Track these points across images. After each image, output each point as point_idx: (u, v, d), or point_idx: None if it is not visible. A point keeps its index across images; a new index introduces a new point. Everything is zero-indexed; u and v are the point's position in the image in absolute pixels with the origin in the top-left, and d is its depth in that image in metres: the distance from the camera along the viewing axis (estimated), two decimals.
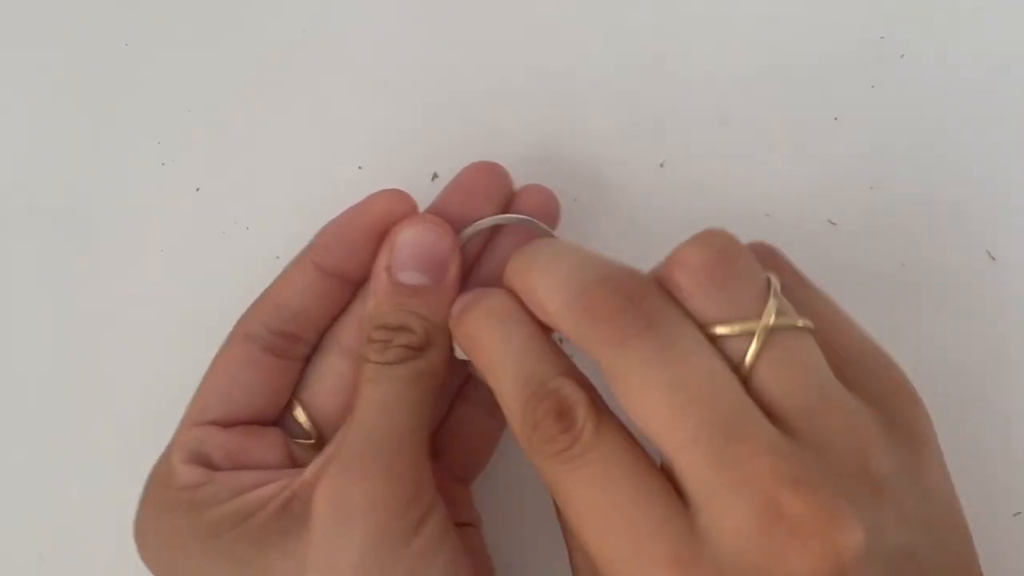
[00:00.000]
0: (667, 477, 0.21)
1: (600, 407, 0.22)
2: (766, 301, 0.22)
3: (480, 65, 0.34)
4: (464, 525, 0.29)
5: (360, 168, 0.34)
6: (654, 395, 0.20)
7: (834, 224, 0.32)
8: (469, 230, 0.28)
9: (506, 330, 0.24)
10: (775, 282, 0.22)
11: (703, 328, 0.22)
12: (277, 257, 0.33)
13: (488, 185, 0.29)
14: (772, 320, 0.21)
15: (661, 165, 0.33)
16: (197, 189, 0.34)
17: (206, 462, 0.26)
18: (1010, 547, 0.30)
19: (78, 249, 0.34)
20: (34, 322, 0.34)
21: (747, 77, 0.33)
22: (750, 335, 0.21)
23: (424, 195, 0.33)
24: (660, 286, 0.22)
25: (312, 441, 0.28)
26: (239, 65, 0.35)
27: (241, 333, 0.28)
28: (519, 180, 0.31)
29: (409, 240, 0.27)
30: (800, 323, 0.22)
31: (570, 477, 0.21)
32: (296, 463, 0.27)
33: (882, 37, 0.33)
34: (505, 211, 0.29)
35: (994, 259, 0.32)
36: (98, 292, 0.34)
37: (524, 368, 0.23)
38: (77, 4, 0.36)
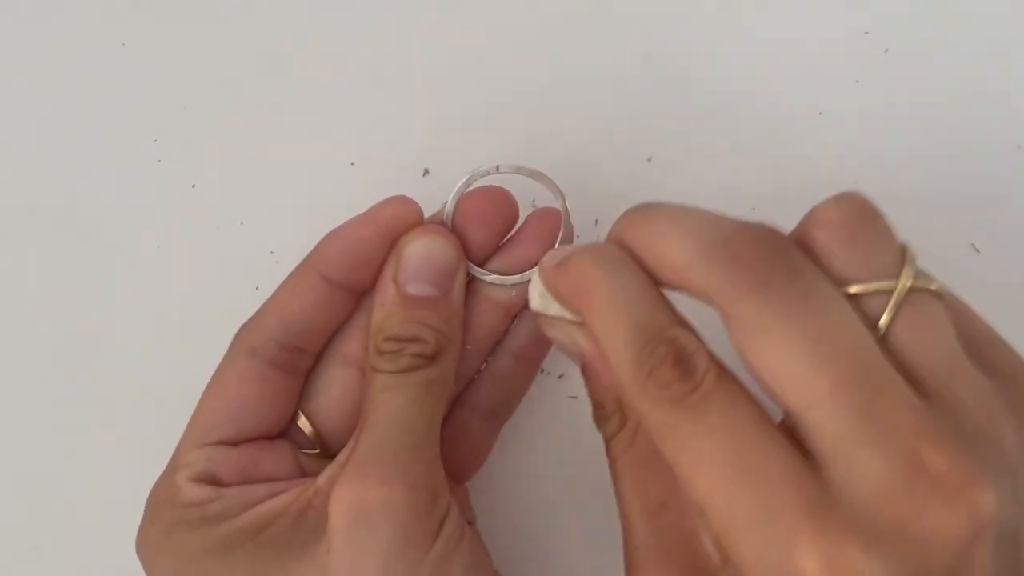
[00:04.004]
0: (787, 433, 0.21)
1: (718, 360, 0.22)
2: (903, 264, 0.22)
3: (470, 63, 0.34)
4: None
5: (352, 164, 0.34)
6: (795, 345, 0.20)
7: None
8: (464, 181, 0.28)
9: (621, 277, 0.23)
10: (911, 248, 0.22)
11: (839, 287, 0.22)
12: (271, 252, 0.34)
13: (494, 210, 0.28)
14: (911, 282, 0.21)
15: (649, 160, 0.33)
16: (192, 185, 0.34)
17: (214, 480, 0.26)
18: None
19: (74, 245, 0.34)
20: (30, 317, 0.34)
21: (732, 73, 0.34)
22: (886, 296, 0.21)
23: (416, 191, 0.33)
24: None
25: (317, 451, 0.28)
26: (234, 64, 0.35)
27: (246, 349, 0.27)
28: (509, 177, 0.32)
29: (417, 251, 0.27)
30: (934, 286, 0.22)
31: (688, 425, 0.21)
32: (305, 473, 0.27)
33: (866, 33, 0.34)
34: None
35: (978, 251, 0.33)
36: (94, 287, 0.34)
37: (640, 315, 0.22)
38: (74, 4, 0.36)
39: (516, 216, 0.29)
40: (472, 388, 0.30)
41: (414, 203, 0.28)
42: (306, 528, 0.25)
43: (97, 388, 0.33)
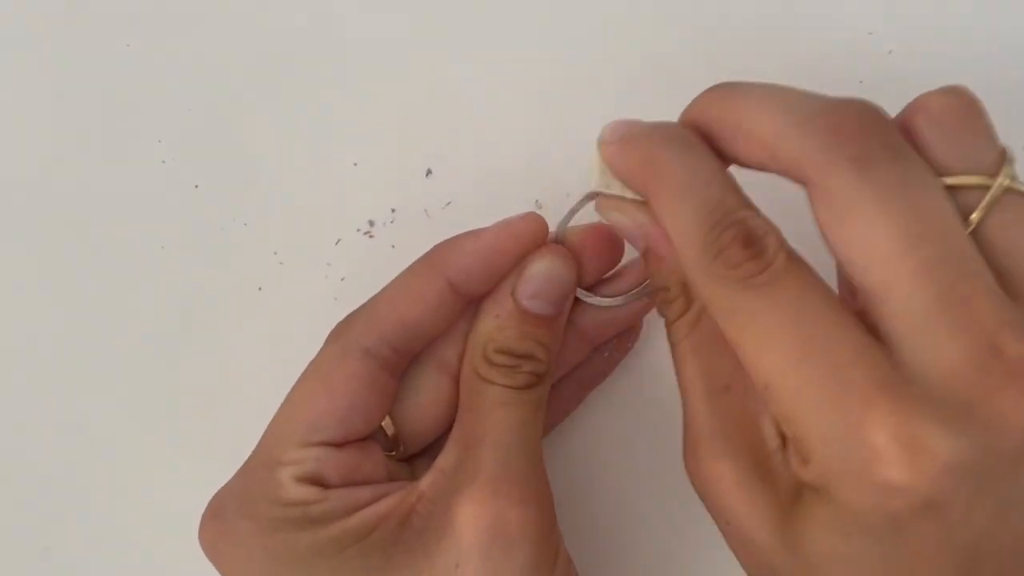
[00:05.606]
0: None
1: (788, 244, 0.22)
2: (1002, 163, 0.22)
3: (473, 62, 0.34)
4: None
5: (355, 164, 0.34)
6: (888, 224, 0.20)
7: None
8: (579, 202, 0.27)
9: (689, 156, 0.23)
10: (1010, 151, 0.22)
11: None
12: (275, 253, 0.34)
13: (605, 249, 0.28)
14: (1008, 182, 0.21)
15: None
16: (196, 186, 0.34)
17: (319, 481, 0.26)
18: None
19: (79, 245, 0.35)
20: (34, 317, 0.34)
21: (736, 74, 0.33)
22: (982, 191, 0.21)
23: (418, 191, 0.33)
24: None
25: (393, 452, 0.28)
26: (237, 65, 0.35)
27: (359, 348, 0.26)
28: (513, 178, 0.32)
29: (542, 270, 0.27)
30: None
31: (756, 303, 0.21)
32: (391, 475, 0.27)
33: (870, 33, 0.34)
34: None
35: None
36: (99, 288, 0.34)
37: (711, 196, 0.22)
38: (80, 5, 0.36)
39: (622, 254, 0.29)
40: None
41: (543, 221, 0.27)
42: (412, 534, 0.24)
43: (101, 389, 0.34)
